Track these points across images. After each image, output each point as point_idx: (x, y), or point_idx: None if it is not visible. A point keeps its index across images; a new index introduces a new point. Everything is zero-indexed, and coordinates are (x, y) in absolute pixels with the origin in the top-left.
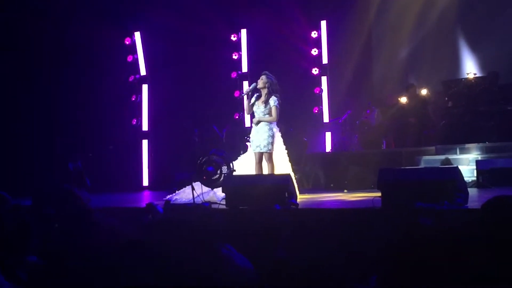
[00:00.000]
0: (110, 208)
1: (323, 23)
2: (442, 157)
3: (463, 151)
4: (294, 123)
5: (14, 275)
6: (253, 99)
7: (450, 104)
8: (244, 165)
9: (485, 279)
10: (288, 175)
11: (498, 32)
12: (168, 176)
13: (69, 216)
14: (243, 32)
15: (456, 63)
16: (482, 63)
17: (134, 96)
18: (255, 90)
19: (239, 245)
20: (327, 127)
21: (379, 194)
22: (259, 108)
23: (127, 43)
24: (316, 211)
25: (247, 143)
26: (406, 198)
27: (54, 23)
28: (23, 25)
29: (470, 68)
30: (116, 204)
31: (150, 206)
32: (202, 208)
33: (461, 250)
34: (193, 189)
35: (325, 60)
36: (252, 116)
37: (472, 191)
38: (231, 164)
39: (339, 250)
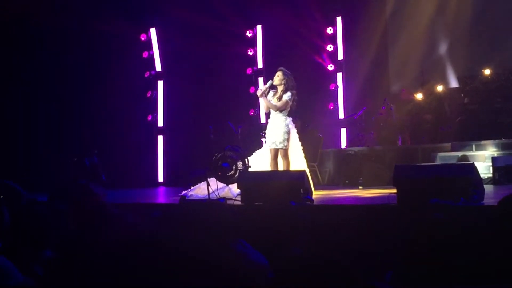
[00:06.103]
0: (124, 204)
1: (339, 19)
2: (458, 153)
3: (479, 147)
4: (310, 119)
5: (30, 269)
6: (269, 96)
7: (466, 100)
8: (259, 161)
9: (502, 275)
10: (304, 172)
11: None
12: (183, 172)
13: (85, 211)
14: (259, 28)
15: (472, 59)
16: (499, 60)
17: (149, 92)
18: (271, 87)
19: (254, 241)
20: (342, 123)
21: (394, 190)
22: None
23: (143, 39)
24: (332, 208)
25: (262, 139)
26: (421, 195)
27: (70, 19)
28: (40, 21)
29: (486, 65)
30: (130, 200)
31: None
32: (217, 204)
33: (477, 246)
34: (208, 185)
35: (340, 57)
36: (269, 114)
37: (488, 188)
38: (246, 160)
39: (354, 247)
